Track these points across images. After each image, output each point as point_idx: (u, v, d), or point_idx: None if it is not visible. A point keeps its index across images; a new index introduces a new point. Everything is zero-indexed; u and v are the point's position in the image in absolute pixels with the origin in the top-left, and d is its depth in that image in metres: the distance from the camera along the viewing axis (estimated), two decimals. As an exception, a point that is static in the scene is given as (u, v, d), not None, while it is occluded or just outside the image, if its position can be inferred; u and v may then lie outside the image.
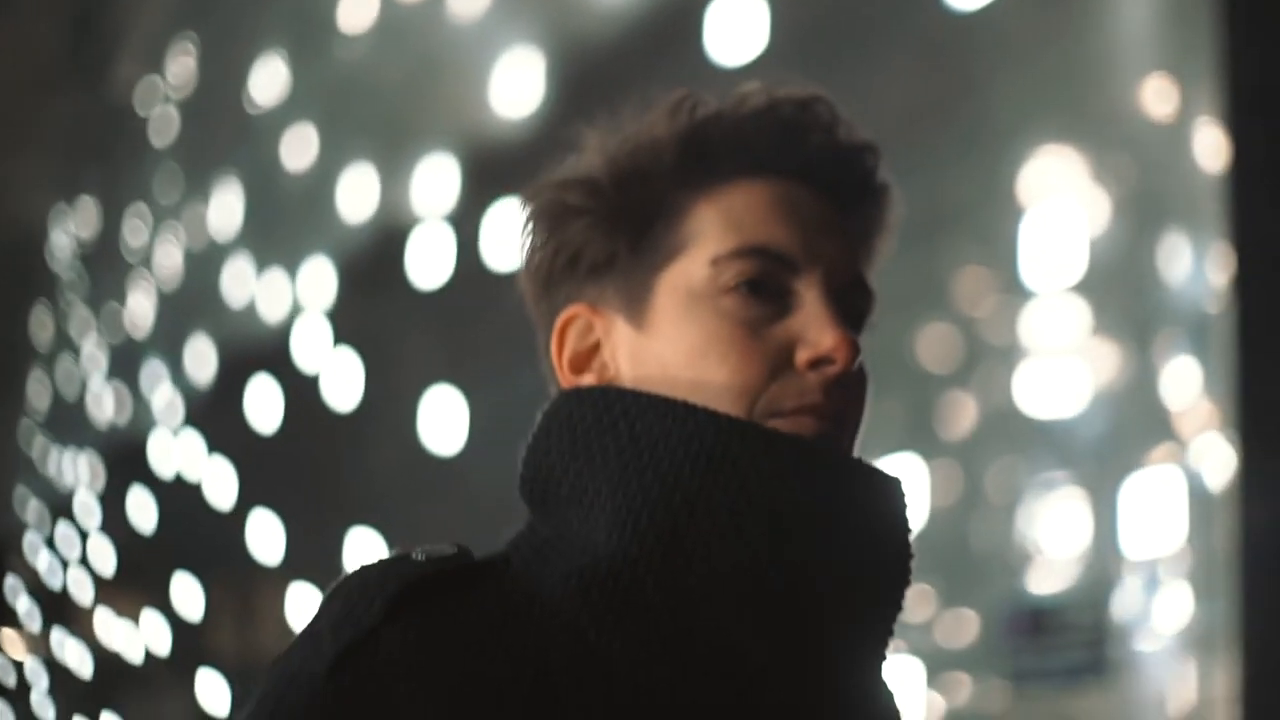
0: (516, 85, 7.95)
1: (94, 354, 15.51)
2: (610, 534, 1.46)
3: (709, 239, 1.54)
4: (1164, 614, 4.62)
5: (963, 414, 5.97)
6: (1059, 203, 5.04)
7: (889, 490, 1.51)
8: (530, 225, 1.60)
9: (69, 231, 16.50)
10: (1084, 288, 4.87)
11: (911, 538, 1.52)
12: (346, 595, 1.41)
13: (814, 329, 1.50)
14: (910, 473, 5.35)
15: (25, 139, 15.44)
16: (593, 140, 1.59)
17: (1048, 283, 5.09)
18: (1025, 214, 5.22)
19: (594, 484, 1.49)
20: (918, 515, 1.53)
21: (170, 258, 13.25)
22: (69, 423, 15.90)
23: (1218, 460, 4.51)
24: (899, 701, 1.61)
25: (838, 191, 1.60)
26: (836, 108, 1.62)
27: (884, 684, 1.58)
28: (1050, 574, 5.22)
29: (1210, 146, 4.50)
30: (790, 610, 1.45)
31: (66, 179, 16.19)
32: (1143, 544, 4.69)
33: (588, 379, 1.58)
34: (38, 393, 17.28)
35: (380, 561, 1.44)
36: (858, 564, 1.48)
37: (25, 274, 16.60)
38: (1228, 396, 4.42)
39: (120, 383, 14.57)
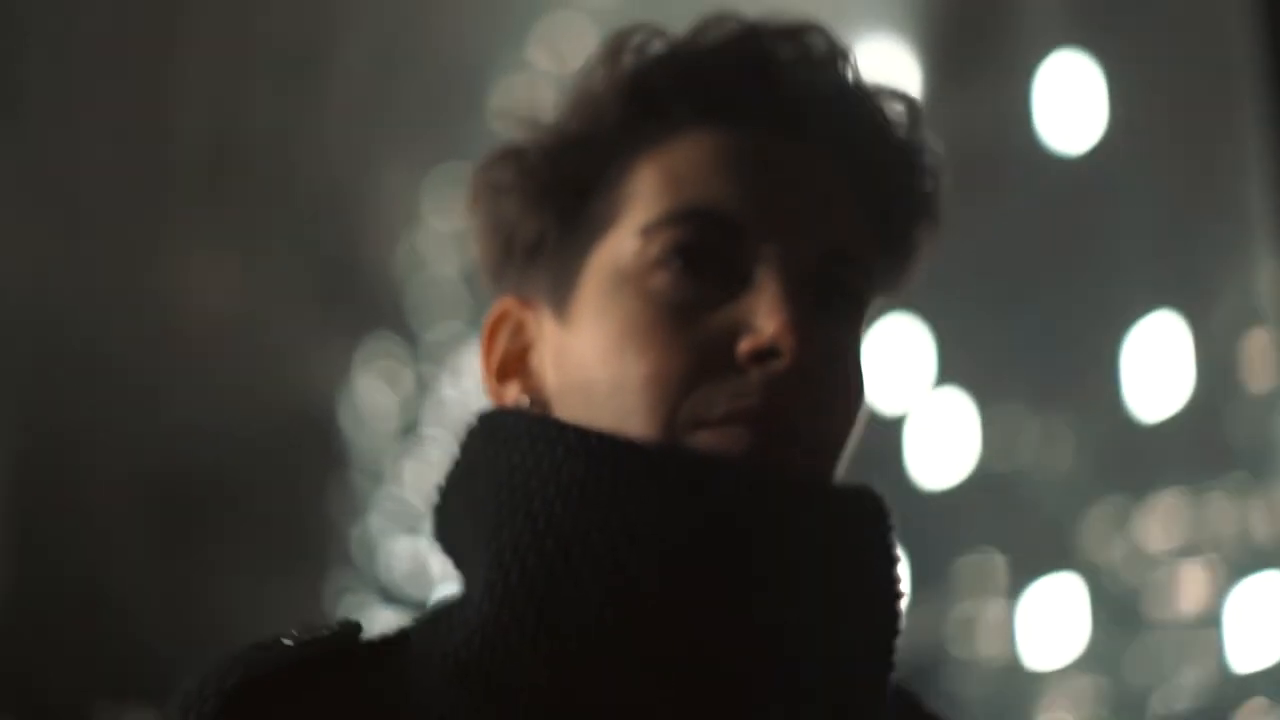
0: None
1: (385, 524, 15.99)
2: (484, 597, 1.17)
3: (642, 204, 1.21)
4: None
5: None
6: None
7: (847, 514, 1.16)
8: (468, 210, 1.32)
9: (359, 405, 17.11)
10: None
11: (894, 573, 1.17)
12: (186, 693, 1.17)
13: (761, 313, 1.16)
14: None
15: (323, 329, 16.16)
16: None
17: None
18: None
19: (476, 533, 1.20)
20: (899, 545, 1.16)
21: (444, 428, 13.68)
22: (367, 592, 16.37)
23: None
24: None
25: (830, 146, 1.23)
26: (839, 41, 1.25)
27: None
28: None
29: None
30: (705, 675, 1.13)
31: (354, 358, 16.83)
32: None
33: (510, 391, 1.28)
34: (339, 563, 17.81)
35: (238, 649, 1.20)
36: (802, 613, 1.14)
37: (323, 447, 17.21)
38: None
39: (408, 551, 15.00)
